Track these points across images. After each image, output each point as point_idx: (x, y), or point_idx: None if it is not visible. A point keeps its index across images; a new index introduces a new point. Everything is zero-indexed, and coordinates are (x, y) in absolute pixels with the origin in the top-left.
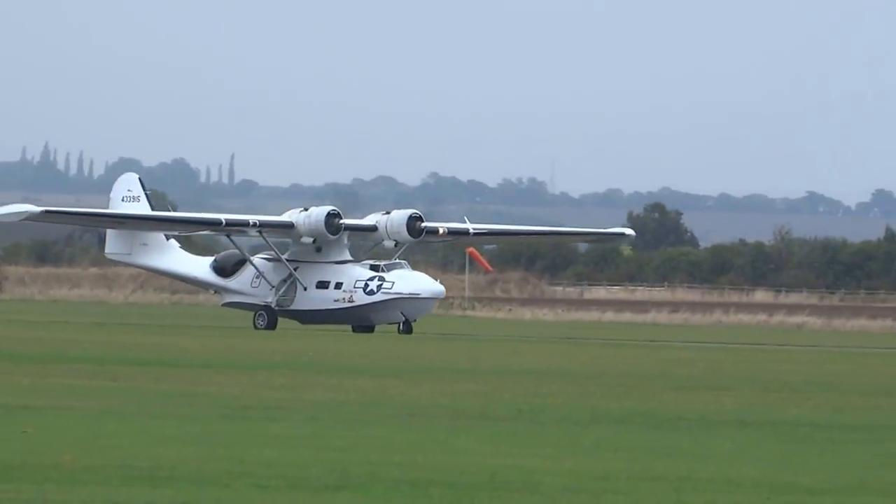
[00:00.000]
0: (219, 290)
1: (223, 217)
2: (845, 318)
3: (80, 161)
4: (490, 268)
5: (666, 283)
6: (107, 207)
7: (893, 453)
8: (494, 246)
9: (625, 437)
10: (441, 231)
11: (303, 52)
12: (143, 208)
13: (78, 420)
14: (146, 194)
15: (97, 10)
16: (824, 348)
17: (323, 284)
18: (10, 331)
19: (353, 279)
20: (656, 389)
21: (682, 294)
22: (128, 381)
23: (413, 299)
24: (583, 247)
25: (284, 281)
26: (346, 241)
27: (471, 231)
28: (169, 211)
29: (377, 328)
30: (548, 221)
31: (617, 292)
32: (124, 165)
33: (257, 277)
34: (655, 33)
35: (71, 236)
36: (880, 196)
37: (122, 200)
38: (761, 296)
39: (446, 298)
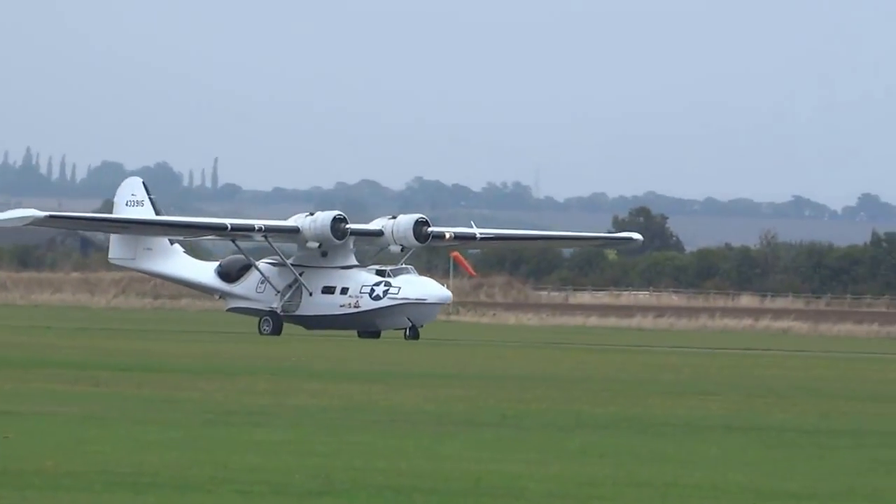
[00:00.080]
0: (223, 295)
1: (228, 222)
2: (831, 322)
3: (63, 165)
4: (474, 272)
5: (651, 288)
6: (89, 211)
7: (880, 459)
8: (478, 250)
9: (610, 442)
10: (448, 236)
11: (287, 57)
12: (147, 213)
13: (60, 425)
14: (150, 199)
15: (80, 13)
16: (810, 353)
17: (329, 290)
18: None
19: (359, 284)
20: (641, 394)
21: (670, 299)
22: (110, 386)
23: (420, 305)
24: (567, 251)
25: (290, 286)
26: (351, 245)
27: (477, 236)
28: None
29: (383, 334)
30: (533, 226)
31: (602, 297)
32: (107, 169)
33: (262, 282)
34: (640, 39)
35: (53, 241)
36: (866, 200)
37: (126, 205)
38: (747, 300)
39: None
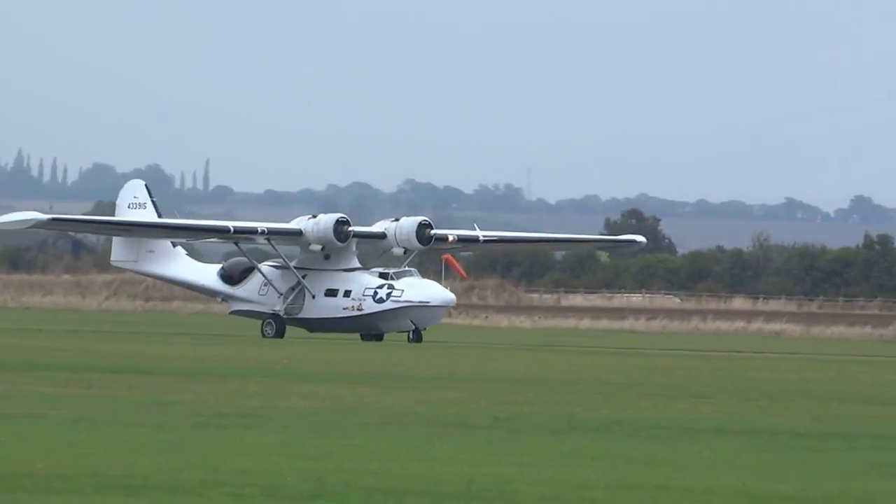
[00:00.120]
0: (226, 297)
1: (231, 224)
2: (824, 325)
3: (54, 167)
4: (465, 275)
5: (644, 291)
6: (80, 213)
7: (872, 462)
8: (470, 253)
9: (602, 445)
10: (451, 238)
11: (278, 60)
12: (149, 215)
13: (51, 428)
14: (153, 201)
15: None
16: (803, 356)
17: (332, 292)
18: None
19: (362, 287)
20: (634, 397)
21: (664, 302)
22: (101, 388)
23: (423, 307)
24: (560, 254)
25: (293, 289)
26: (354, 248)
27: (481, 238)
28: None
29: (386, 336)
30: (525, 228)
31: (594, 299)
32: (98, 172)
33: (265, 285)
34: (632, 42)
35: (44, 243)
36: (859, 202)
37: (129, 207)
38: (739, 303)
39: None
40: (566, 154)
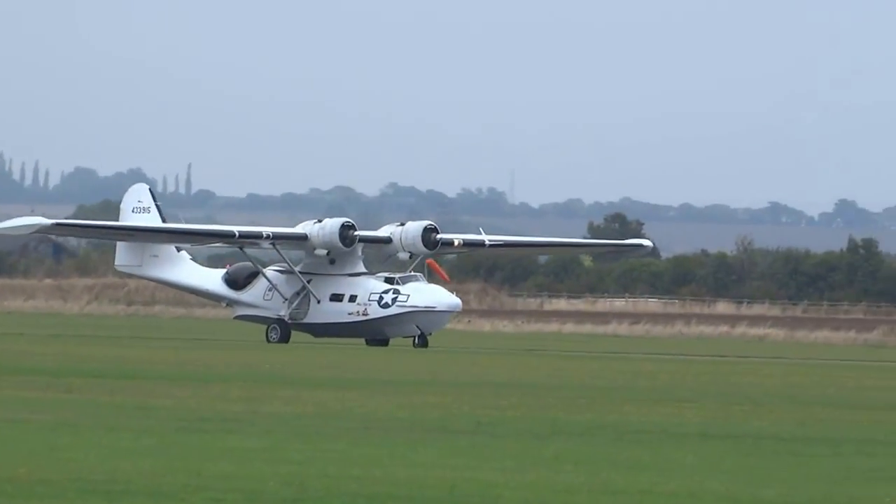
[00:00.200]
0: (231, 302)
1: (236, 229)
2: (808, 329)
3: (36, 171)
4: (447, 278)
5: (627, 295)
6: (63, 218)
7: (857, 466)
8: (454, 256)
9: (585, 449)
10: (456, 243)
11: (260, 63)
12: (153, 220)
13: (32, 433)
14: (157, 205)
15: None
16: (787, 360)
17: (337, 297)
18: None
19: (367, 292)
20: (617, 402)
21: (651, 306)
22: (83, 393)
23: (429, 312)
24: (543, 258)
25: (298, 294)
26: (360, 253)
27: (486, 243)
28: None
29: (392, 341)
30: (508, 231)
31: (577, 304)
32: (80, 175)
33: (270, 290)
34: (615, 47)
35: (26, 247)
36: (843, 206)
37: (133, 211)
38: (723, 307)
39: None
40: (550, 158)
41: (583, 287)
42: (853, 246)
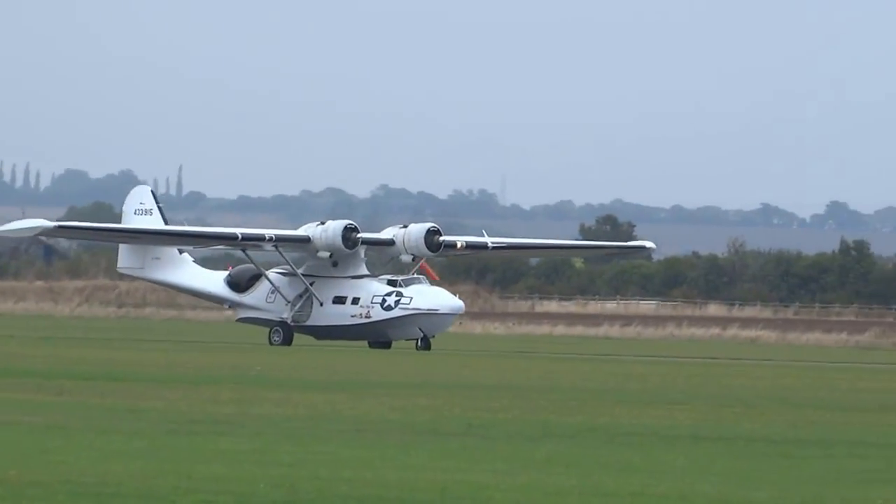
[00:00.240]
0: (233, 305)
1: (239, 232)
2: (800, 331)
3: (27, 173)
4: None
5: (619, 297)
6: (53, 219)
7: (848, 468)
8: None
9: (577, 452)
10: (460, 245)
11: (250, 65)
12: (155, 221)
13: (23, 435)
14: (159, 207)
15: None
16: (778, 362)
17: (340, 300)
18: None
19: (370, 294)
20: (609, 404)
21: (643, 308)
22: (74, 395)
23: (432, 315)
24: (534, 260)
25: (300, 296)
26: (363, 255)
27: (489, 245)
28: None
29: (394, 344)
30: (499, 233)
31: (568, 306)
32: (71, 177)
33: (273, 292)
34: (608, 47)
35: (17, 249)
36: (834, 208)
37: (135, 213)
38: (714, 309)
39: None
40: (541, 160)
41: (574, 289)
42: (845, 248)
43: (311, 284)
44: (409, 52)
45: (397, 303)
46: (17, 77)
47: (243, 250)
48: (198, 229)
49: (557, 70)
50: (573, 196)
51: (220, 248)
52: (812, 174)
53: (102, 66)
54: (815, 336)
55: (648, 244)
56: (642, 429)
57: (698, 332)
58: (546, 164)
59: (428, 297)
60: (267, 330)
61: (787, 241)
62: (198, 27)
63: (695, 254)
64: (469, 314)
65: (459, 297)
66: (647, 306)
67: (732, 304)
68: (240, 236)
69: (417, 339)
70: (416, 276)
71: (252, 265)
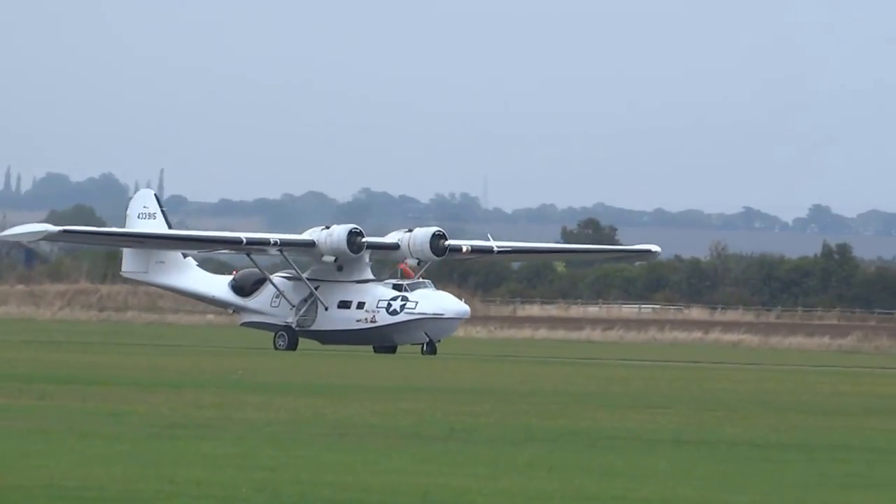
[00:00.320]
0: (237, 309)
1: (244, 236)
2: (782, 335)
3: (7, 176)
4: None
5: (601, 301)
6: (35, 222)
7: (830, 473)
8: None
9: (559, 456)
10: (465, 249)
11: (231, 68)
12: (159, 225)
13: (4, 439)
14: (162, 211)
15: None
16: (761, 366)
17: (345, 304)
18: None
19: (375, 299)
20: (591, 408)
21: (625, 312)
22: (55, 399)
23: (437, 319)
24: (516, 264)
25: (305, 300)
26: (368, 259)
27: (495, 249)
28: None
29: (399, 349)
30: (481, 236)
31: (550, 310)
32: (52, 181)
33: (277, 297)
34: (587, 50)
35: None
36: (817, 212)
37: (139, 217)
38: (697, 313)
39: None
40: (523, 163)
41: (556, 293)
42: (827, 251)
43: (315, 289)
44: (391, 56)
45: (403, 307)
46: None
47: (248, 254)
48: (203, 234)
49: (539, 75)
50: (555, 200)
51: (225, 252)
52: (794, 178)
53: (83, 71)
54: (797, 340)
55: (654, 248)
56: (624, 433)
57: (680, 335)
58: (528, 167)
59: (433, 301)
60: (272, 334)
61: (769, 244)
62: (177, 31)
63: (677, 257)
64: None
65: None
66: (643, 310)
67: (715, 308)
68: (244, 240)
69: (423, 344)
70: (421, 280)
71: (256, 269)
